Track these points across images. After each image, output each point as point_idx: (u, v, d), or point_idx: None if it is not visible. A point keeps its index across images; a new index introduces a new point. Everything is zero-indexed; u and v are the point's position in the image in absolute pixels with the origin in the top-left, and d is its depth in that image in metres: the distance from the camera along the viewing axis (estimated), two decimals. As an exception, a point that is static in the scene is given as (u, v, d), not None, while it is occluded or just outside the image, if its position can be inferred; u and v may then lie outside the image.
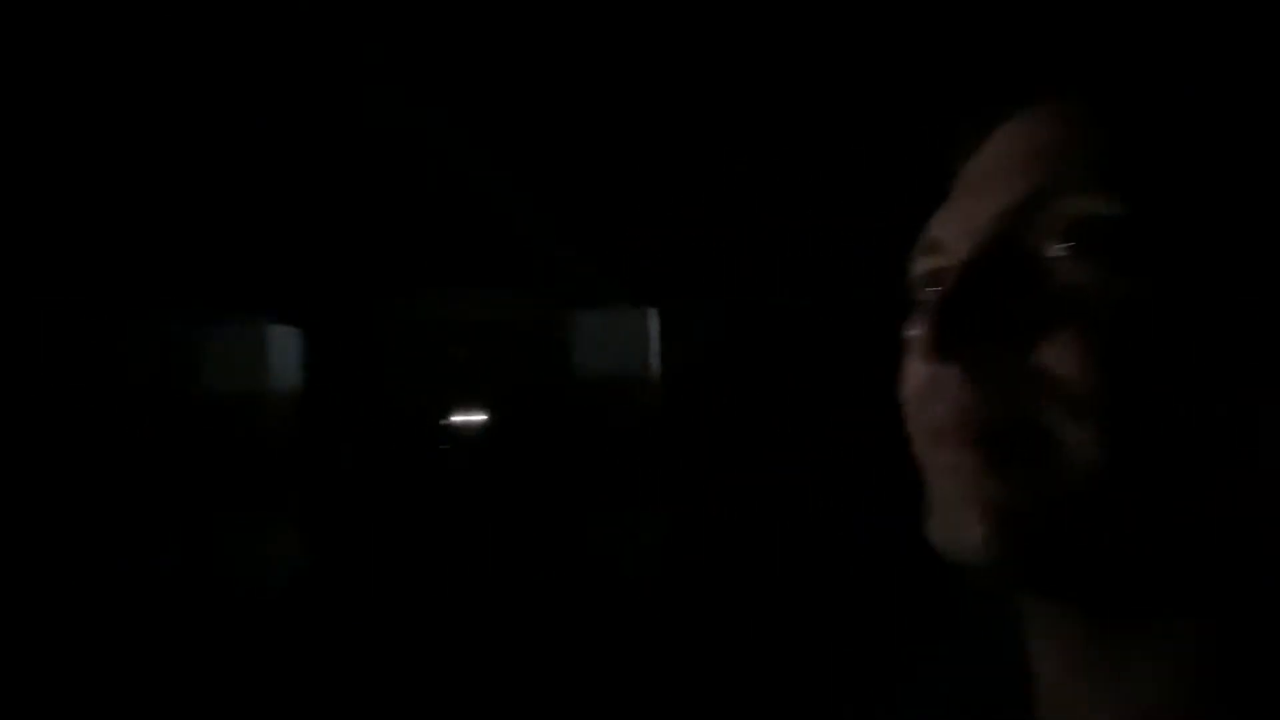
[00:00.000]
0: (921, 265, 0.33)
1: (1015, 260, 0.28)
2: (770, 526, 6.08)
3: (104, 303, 8.37)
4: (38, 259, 6.39)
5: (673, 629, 3.44)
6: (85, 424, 10.97)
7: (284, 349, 10.23)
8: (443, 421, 9.18)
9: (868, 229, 6.62)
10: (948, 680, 0.38)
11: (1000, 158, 0.32)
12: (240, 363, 10.62)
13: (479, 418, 9.22)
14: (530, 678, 2.83)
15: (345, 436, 9.49)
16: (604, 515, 6.96)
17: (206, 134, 4.47)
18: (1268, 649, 0.25)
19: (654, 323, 8.66)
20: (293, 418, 9.93)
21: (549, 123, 4.59)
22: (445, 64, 3.76)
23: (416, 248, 7.42)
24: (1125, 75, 0.32)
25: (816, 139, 5.59)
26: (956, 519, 0.27)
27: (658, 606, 3.93)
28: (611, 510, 7.08)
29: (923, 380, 0.29)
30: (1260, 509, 0.25)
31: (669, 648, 3.22)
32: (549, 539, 5.82)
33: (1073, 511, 0.25)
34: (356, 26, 3.49)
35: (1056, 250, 0.27)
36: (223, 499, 8.50)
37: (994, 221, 0.29)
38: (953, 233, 0.32)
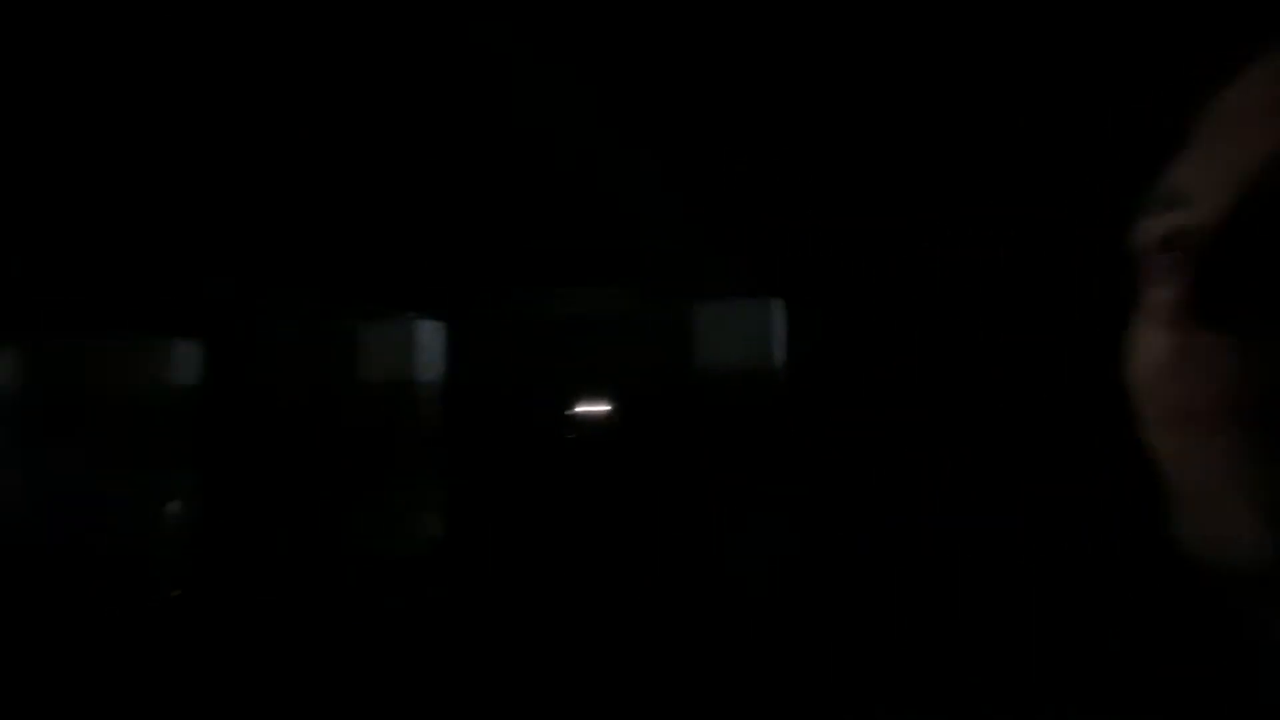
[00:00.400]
0: (1161, 220, 0.28)
1: None
2: (905, 528, 5.78)
3: (282, 301, 9.42)
4: (227, 264, 7.34)
5: (796, 630, 3.36)
6: (266, 412, 12.46)
7: (428, 342, 11.09)
8: (568, 412, 9.55)
9: (1001, 217, 6.11)
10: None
11: (1264, 97, 0.27)
12: (389, 355, 11.67)
13: (602, 409, 9.50)
14: (644, 667, 2.87)
15: (480, 424, 10.09)
16: (725, 509, 6.94)
17: (364, 143, 4.91)
18: None
19: (779, 315, 8.51)
20: (434, 406, 10.74)
21: (678, 109, 4.60)
22: (579, 53, 3.87)
23: (547, 244, 7.75)
24: None
25: (959, 129, 5.22)
26: (1218, 515, 0.23)
27: (781, 606, 3.84)
28: (733, 505, 7.04)
29: (1166, 353, 0.25)
30: None
31: (791, 648, 3.15)
32: (670, 531, 5.87)
33: None
34: (495, 22, 3.66)
35: None
36: (372, 480, 9.31)
37: (1263, 167, 0.25)
38: (1205, 181, 0.27)
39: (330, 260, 8.01)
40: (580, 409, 9.62)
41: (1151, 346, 0.27)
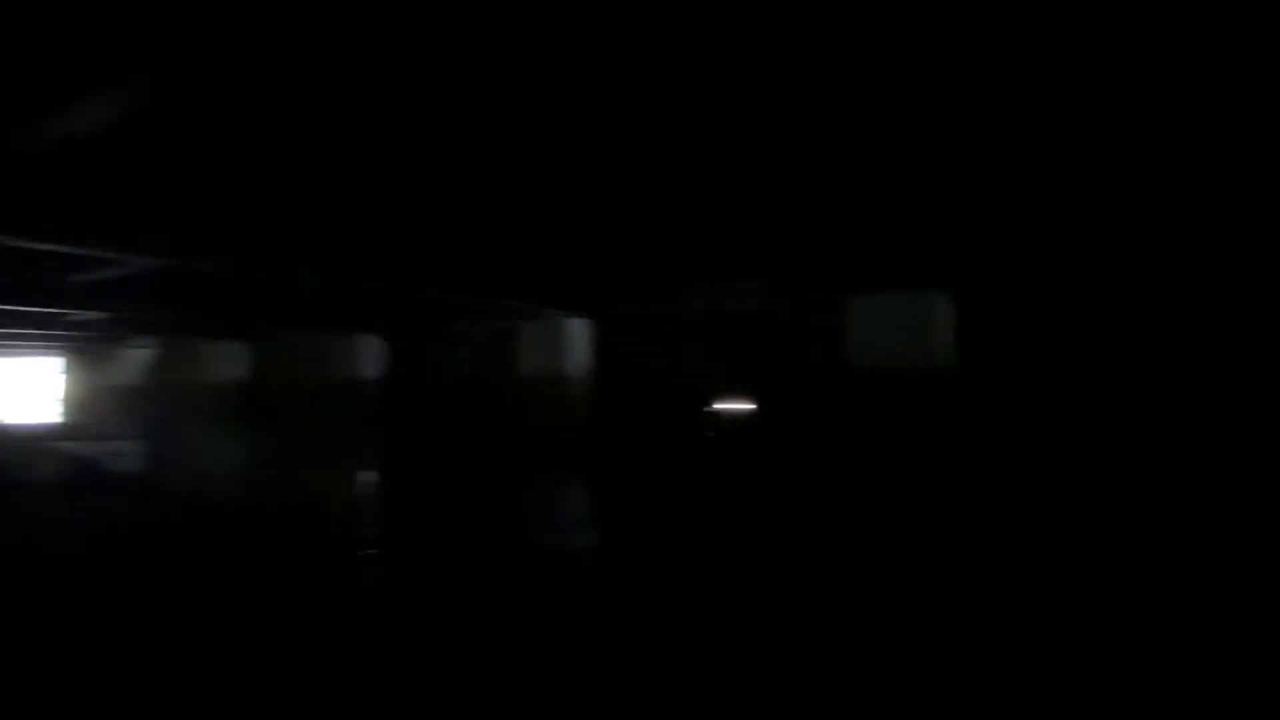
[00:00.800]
0: None
1: None
2: (1091, 535, 5.11)
3: (447, 302, 10.18)
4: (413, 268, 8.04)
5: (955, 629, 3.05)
6: (432, 401, 13.57)
7: (577, 338, 11.53)
8: (708, 409, 9.45)
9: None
10: None
11: None
12: (544, 350, 12.29)
13: (745, 407, 9.30)
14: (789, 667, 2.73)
15: (623, 419, 10.29)
16: (879, 514, 6.50)
17: (521, 152, 5.15)
18: None
19: (940, 309, 7.83)
20: (582, 401, 11.14)
21: (838, 101, 4.34)
22: (738, 46, 3.77)
23: (695, 237, 7.72)
24: None
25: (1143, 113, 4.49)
26: None
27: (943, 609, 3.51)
28: (888, 509, 6.58)
29: None
30: None
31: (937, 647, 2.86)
32: (814, 533, 5.59)
33: None
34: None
35: None
36: (527, 471, 9.79)
37: None
38: None
39: (489, 261, 8.53)
40: (727, 405, 9.49)
41: None
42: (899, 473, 7.54)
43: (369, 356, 15.10)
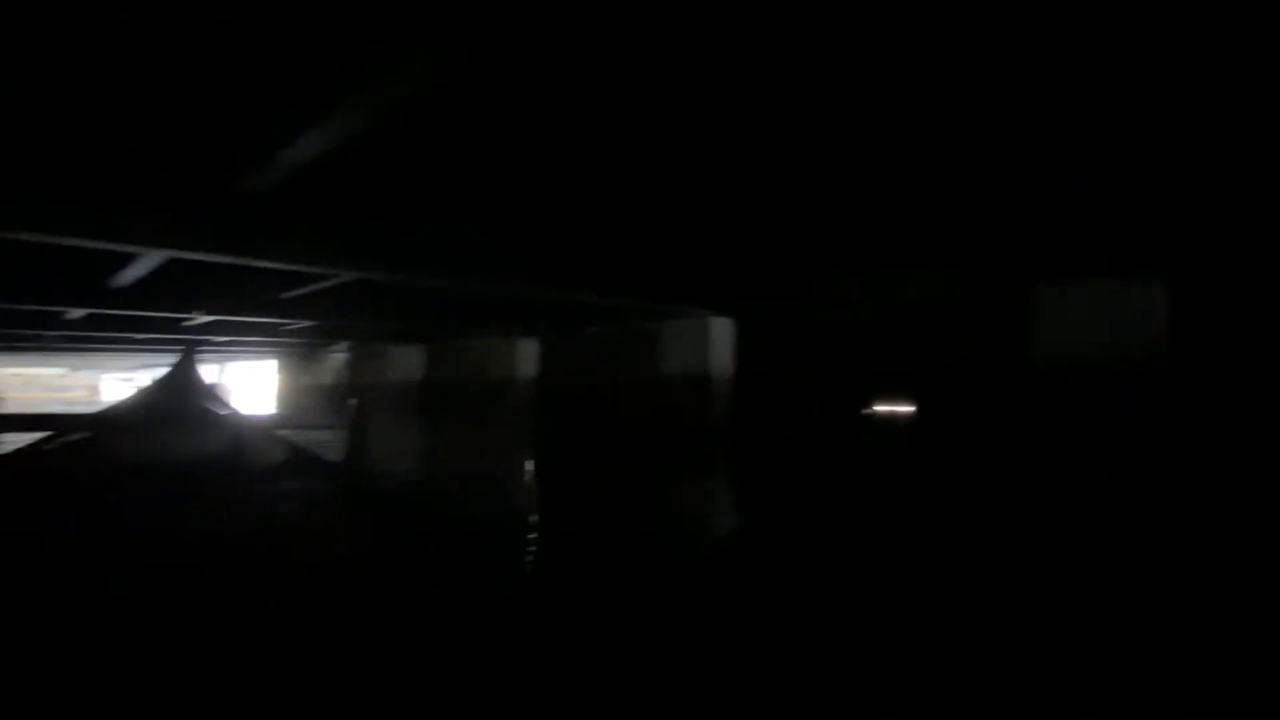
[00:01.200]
0: None
1: None
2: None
3: (597, 305, 10.46)
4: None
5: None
6: (583, 399, 14.10)
7: (720, 337, 11.43)
8: (865, 411, 8.92)
9: None
10: None
11: None
12: (686, 350, 12.33)
13: (906, 409, 8.69)
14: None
15: (766, 420, 10.00)
16: (1061, 528, 5.66)
17: (670, 152, 5.13)
18: None
19: (1157, 298, 6.66)
20: (725, 400, 11.02)
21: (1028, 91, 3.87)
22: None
23: (845, 229, 7.31)
24: None
25: None
26: None
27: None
28: (1072, 523, 5.72)
29: None
30: None
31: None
32: (985, 548, 4.99)
33: None
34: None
35: None
36: (669, 464, 9.83)
37: None
38: None
39: (636, 263, 8.65)
40: (879, 408, 8.95)
41: None
42: (1089, 485, 6.65)
43: (528, 357, 16.05)
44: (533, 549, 4.71)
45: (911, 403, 8.51)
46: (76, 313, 11.15)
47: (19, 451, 5.03)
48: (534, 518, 5.93)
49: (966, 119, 4.53)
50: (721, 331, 11.43)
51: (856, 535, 5.25)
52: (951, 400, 7.95)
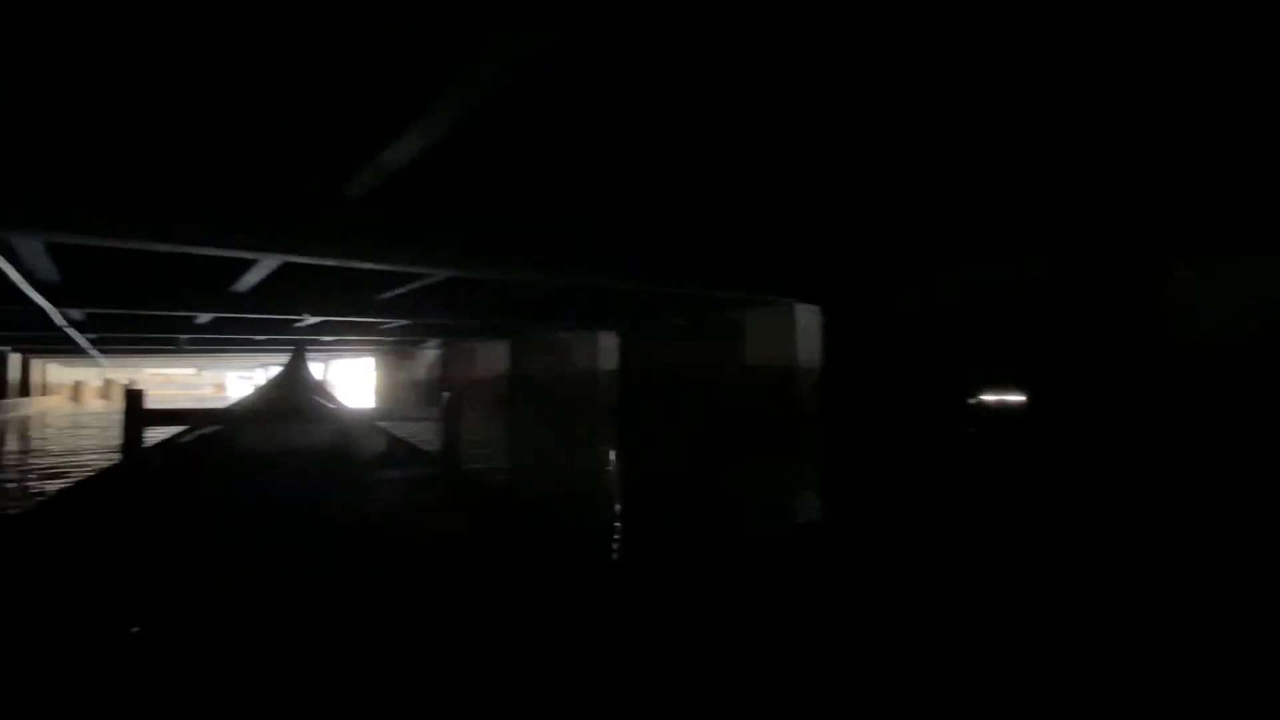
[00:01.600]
0: None
1: None
2: None
3: (679, 296, 10.44)
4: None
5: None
6: (662, 389, 14.11)
7: (807, 326, 11.14)
8: (971, 401, 8.45)
9: None
10: None
11: None
12: (770, 338, 12.12)
13: (1015, 398, 8.17)
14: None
15: (859, 410, 9.66)
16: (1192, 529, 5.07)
17: (754, 141, 5.01)
18: None
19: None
20: (813, 389, 10.73)
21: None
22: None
23: (934, 217, 6.94)
24: None
25: None
26: None
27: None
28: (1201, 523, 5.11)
29: None
30: None
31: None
32: (1095, 549, 4.57)
33: None
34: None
35: None
36: (752, 457, 9.66)
37: None
38: None
39: (722, 253, 8.56)
40: (985, 398, 8.47)
41: None
42: (1222, 483, 6.01)
43: (608, 349, 16.27)
44: (617, 535, 4.78)
45: (1022, 392, 7.99)
46: (205, 317, 12.23)
47: (161, 445, 5.56)
48: (618, 506, 6.02)
49: (1070, 68, 4.15)
50: (808, 320, 11.14)
51: (966, 532, 4.98)
52: (1067, 388, 7.41)
